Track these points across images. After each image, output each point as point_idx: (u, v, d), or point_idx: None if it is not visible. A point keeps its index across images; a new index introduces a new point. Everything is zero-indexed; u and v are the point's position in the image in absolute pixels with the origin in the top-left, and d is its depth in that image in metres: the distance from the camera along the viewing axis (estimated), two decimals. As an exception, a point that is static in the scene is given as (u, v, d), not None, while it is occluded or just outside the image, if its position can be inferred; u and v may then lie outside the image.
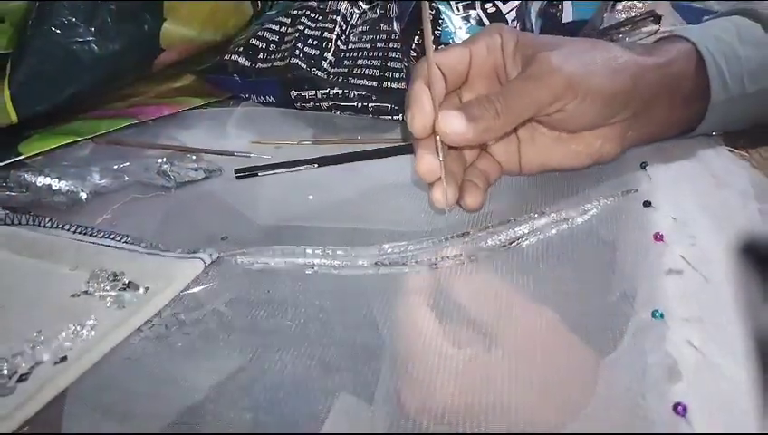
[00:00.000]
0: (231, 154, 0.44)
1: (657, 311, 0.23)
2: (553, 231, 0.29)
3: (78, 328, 0.27)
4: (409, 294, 0.27)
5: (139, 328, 0.27)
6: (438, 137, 0.28)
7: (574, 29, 0.53)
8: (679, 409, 0.19)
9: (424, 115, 0.28)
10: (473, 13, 0.45)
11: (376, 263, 0.28)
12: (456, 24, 0.45)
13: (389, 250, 0.29)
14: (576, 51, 0.29)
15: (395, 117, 0.48)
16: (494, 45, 0.30)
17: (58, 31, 0.45)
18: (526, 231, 0.29)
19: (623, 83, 0.29)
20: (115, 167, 0.42)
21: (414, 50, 0.45)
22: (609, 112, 0.30)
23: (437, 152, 0.28)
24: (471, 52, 0.30)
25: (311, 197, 0.37)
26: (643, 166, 0.33)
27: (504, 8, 0.45)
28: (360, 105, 0.48)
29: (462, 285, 0.27)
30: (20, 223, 0.37)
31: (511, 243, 0.28)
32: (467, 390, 0.21)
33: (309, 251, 0.29)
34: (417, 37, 0.45)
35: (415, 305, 0.26)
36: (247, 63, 0.52)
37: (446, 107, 0.28)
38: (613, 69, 0.29)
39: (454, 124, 0.27)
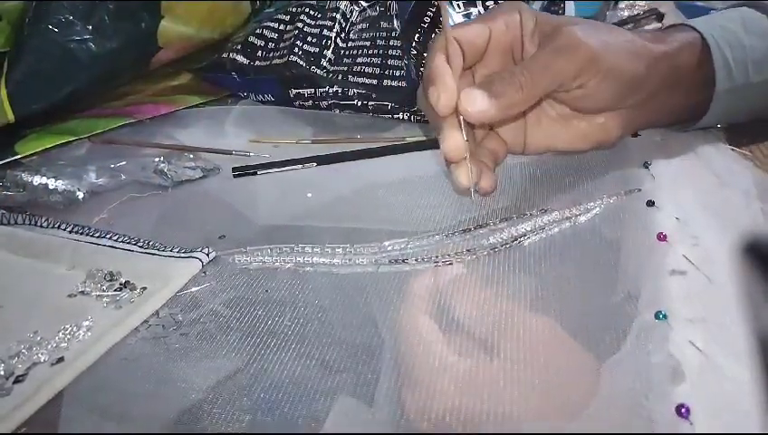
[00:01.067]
0: (230, 153, 0.44)
1: (660, 312, 0.22)
2: (556, 229, 0.28)
3: (75, 328, 0.27)
4: (411, 298, 0.26)
5: (136, 328, 0.26)
6: (461, 117, 0.28)
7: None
8: (682, 411, 0.19)
9: (449, 92, 0.27)
10: (474, 10, 0.44)
11: (375, 261, 0.28)
12: (458, 21, 0.44)
13: (390, 248, 0.29)
14: (597, 28, 0.29)
15: (395, 115, 0.47)
16: (513, 22, 0.30)
17: (55, 29, 0.45)
18: (528, 229, 0.29)
19: (639, 67, 0.29)
20: (112, 166, 0.41)
21: (414, 47, 0.45)
22: (624, 95, 0.30)
23: (462, 131, 0.28)
24: (490, 28, 0.30)
25: (309, 195, 0.37)
26: (646, 165, 0.32)
27: (505, 6, 0.45)
28: (359, 103, 0.48)
29: (463, 286, 0.26)
30: (16, 223, 0.36)
31: (513, 241, 0.28)
32: (468, 394, 0.21)
33: (308, 250, 0.29)
34: (417, 35, 0.45)
35: (416, 309, 0.25)
36: (246, 61, 0.52)
37: (463, 84, 0.28)
38: (631, 52, 0.29)
39: (477, 102, 0.27)
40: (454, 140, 0.28)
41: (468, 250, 0.28)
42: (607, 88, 0.29)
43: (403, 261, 0.28)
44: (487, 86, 0.27)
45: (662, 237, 0.27)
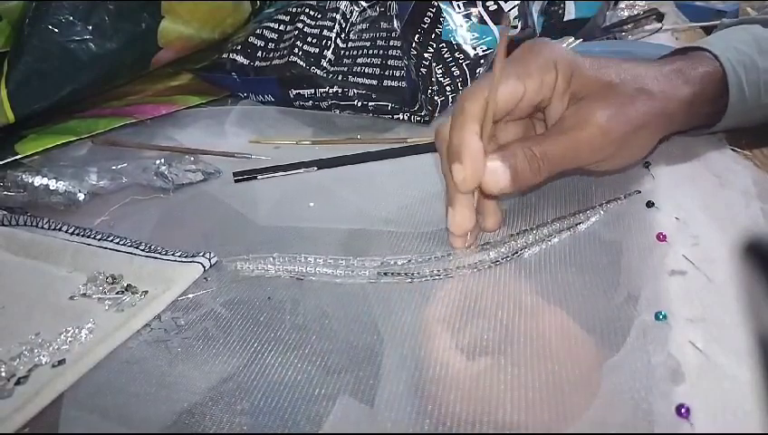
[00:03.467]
0: (232, 156, 0.44)
1: (660, 312, 0.22)
2: (555, 239, 0.29)
3: (76, 331, 0.27)
4: (427, 303, 0.26)
5: (137, 331, 0.26)
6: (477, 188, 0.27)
7: (576, 27, 0.53)
8: (682, 411, 0.19)
9: (477, 174, 0.26)
10: (474, 11, 0.44)
11: (377, 273, 0.28)
12: (458, 21, 0.44)
13: (392, 262, 0.28)
14: (625, 104, 0.27)
15: (395, 116, 0.47)
16: (548, 81, 0.28)
17: (55, 29, 0.45)
18: (529, 241, 0.29)
19: (661, 135, 0.29)
20: (113, 168, 0.41)
21: (414, 48, 0.45)
22: (641, 157, 0.30)
23: (473, 207, 0.27)
24: (525, 87, 0.27)
25: (312, 204, 0.37)
26: (646, 166, 0.32)
27: (506, 6, 0.45)
28: (359, 104, 0.48)
29: (468, 295, 0.26)
30: (17, 224, 0.36)
31: (514, 254, 0.28)
32: (479, 400, 0.21)
33: (310, 260, 0.29)
34: (417, 35, 0.45)
35: (430, 314, 0.25)
36: (246, 62, 0.52)
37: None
38: (657, 125, 0.28)
39: (498, 178, 0.26)
40: (463, 217, 0.27)
41: (469, 265, 0.28)
42: (625, 161, 0.29)
43: (405, 274, 0.28)
44: (508, 160, 0.26)
45: (662, 238, 0.27)
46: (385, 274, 0.28)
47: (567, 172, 0.30)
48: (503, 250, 0.28)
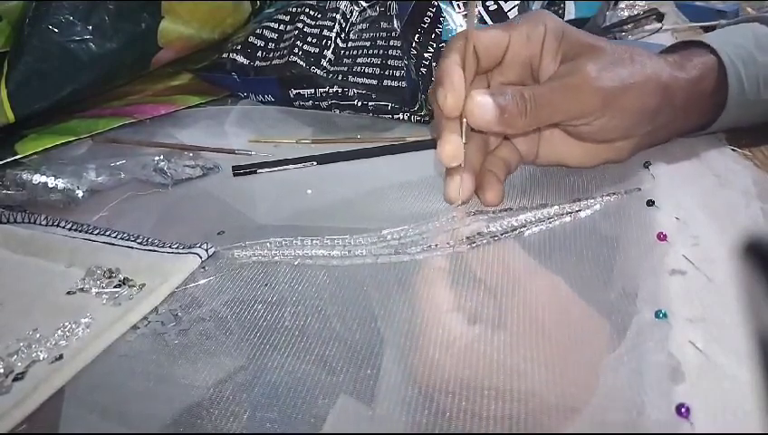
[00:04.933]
0: (232, 152, 0.44)
1: (660, 311, 0.22)
2: (556, 223, 0.28)
3: (74, 326, 0.26)
4: (426, 273, 0.27)
5: (135, 325, 0.26)
6: (465, 120, 0.28)
7: (576, 27, 0.53)
8: (682, 411, 0.19)
9: (456, 94, 0.27)
10: (474, 11, 0.44)
11: (374, 252, 0.28)
12: (458, 21, 0.44)
13: (388, 236, 0.28)
14: (615, 63, 0.28)
15: (395, 115, 0.47)
16: (535, 36, 0.29)
17: (55, 29, 0.45)
18: (528, 220, 0.29)
19: (654, 103, 0.29)
20: (112, 164, 0.41)
21: (414, 48, 0.45)
22: (634, 129, 0.30)
23: (462, 136, 0.28)
24: (510, 37, 0.29)
25: (309, 192, 0.37)
26: (646, 165, 0.32)
27: (506, 6, 0.45)
28: (359, 104, 0.48)
29: (466, 268, 0.26)
30: (15, 221, 0.36)
31: (513, 230, 0.28)
32: (475, 364, 0.21)
33: (307, 242, 0.29)
34: (417, 35, 0.45)
35: (431, 283, 0.26)
36: (246, 62, 0.52)
37: (476, 87, 0.28)
38: (649, 89, 0.28)
39: (484, 110, 0.27)
40: (451, 144, 0.28)
41: (468, 238, 0.28)
42: (614, 125, 0.29)
43: (402, 251, 0.28)
44: (496, 97, 0.27)
45: (662, 237, 0.27)
46: (381, 253, 0.28)
47: (564, 129, 0.30)
48: (502, 224, 0.28)
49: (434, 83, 0.29)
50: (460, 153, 0.28)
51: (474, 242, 0.27)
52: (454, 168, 0.29)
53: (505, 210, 0.29)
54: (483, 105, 0.27)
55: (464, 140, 0.28)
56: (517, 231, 0.28)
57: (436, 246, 0.28)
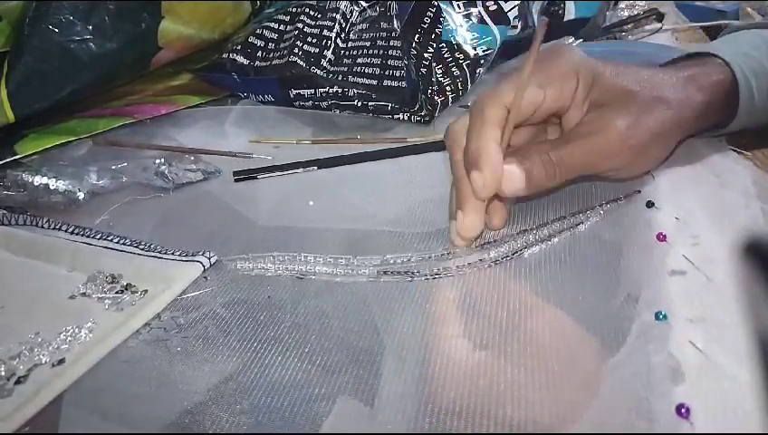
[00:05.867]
0: (233, 155, 0.44)
1: (660, 312, 0.22)
2: (556, 239, 0.29)
3: (76, 330, 0.26)
4: (428, 296, 0.26)
5: (137, 331, 0.26)
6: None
7: (576, 27, 0.53)
8: (682, 411, 0.19)
9: (495, 181, 0.26)
10: (474, 11, 0.44)
11: (377, 272, 0.28)
12: (458, 21, 0.44)
13: (392, 261, 0.28)
14: (643, 111, 0.27)
15: (395, 115, 0.47)
16: (567, 89, 0.27)
17: (55, 29, 0.45)
18: (529, 241, 0.29)
19: (677, 139, 0.29)
20: (113, 167, 0.41)
21: (414, 48, 0.45)
22: (656, 165, 0.30)
23: (484, 212, 0.27)
24: (545, 96, 0.27)
25: (311, 203, 0.37)
26: (646, 165, 0.32)
27: (506, 6, 0.45)
28: (359, 104, 0.48)
29: (469, 292, 0.26)
30: (17, 223, 0.36)
31: (514, 253, 0.28)
32: (478, 390, 0.21)
33: (310, 259, 0.29)
34: (417, 36, 0.45)
35: (432, 306, 0.26)
36: (246, 62, 0.52)
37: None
38: (673, 134, 0.29)
39: (511, 181, 0.26)
40: (473, 223, 0.27)
41: (470, 264, 0.28)
42: (640, 170, 0.29)
43: (405, 273, 0.28)
44: (525, 165, 0.26)
45: (662, 238, 0.27)
46: (385, 272, 0.28)
47: (582, 177, 0.30)
48: (503, 250, 0.28)
49: (466, 160, 0.27)
50: (480, 228, 0.28)
51: (476, 267, 0.27)
52: (466, 208, 0.27)
53: (506, 237, 0.29)
54: (511, 176, 0.26)
55: (485, 211, 0.28)
56: (517, 254, 0.28)
57: (440, 270, 0.28)
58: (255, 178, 0.41)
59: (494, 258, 0.28)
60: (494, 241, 0.29)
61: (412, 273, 0.28)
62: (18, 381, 0.24)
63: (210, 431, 0.21)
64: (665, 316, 0.22)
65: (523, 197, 0.29)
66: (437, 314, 0.25)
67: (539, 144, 0.28)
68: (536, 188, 0.27)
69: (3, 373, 0.24)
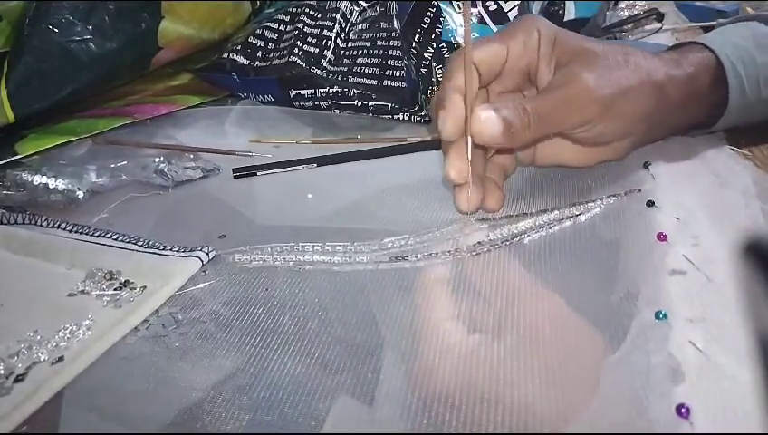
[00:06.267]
0: (233, 153, 0.44)
1: (660, 311, 0.22)
2: (556, 228, 0.28)
3: (74, 328, 0.27)
4: (425, 281, 0.27)
5: (135, 327, 0.26)
6: (470, 138, 0.28)
7: (576, 27, 0.53)
8: (682, 411, 0.19)
9: (456, 118, 0.27)
10: (474, 11, 0.44)
11: (375, 259, 0.28)
12: (458, 21, 0.44)
13: (389, 245, 0.28)
14: (610, 67, 0.28)
15: (395, 115, 0.47)
16: (531, 44, 0.29)
17: (55, 29, 0.45)
18: (528, 226, 0.29)
19: (651, 104, 0.29)
20: (112, 166, 0.41)
21: (414, 48, 0.45)
22: (630, 131, 0.30)
23: (467, 154, 0.28)
24: (508, 48, 0.29)
25: (309, 195, 0.37)
26: (646, 165, 0.32)
27: (506, 6, 0.45)
28: (359, 104, 0.48)
29: (467, 277, 0.27)
30: (16, 222, 0.36)
31: (513, 238, 0.28)
32: (473, 373, 0.21)
33: (308, 248, 0.29)
34: (417, 36, 0.45)
35: (430, 291, 0.26)
36: (246, 62, 0.52)
37: (477, 103, 0.28)
38: (644, 91, 0.29)
39: (489, 126, 0.27)
40: (457, 166, 0.28)
41: (468, 247, 0.28)
42: (611, 129, 0.29)
43: (403, 258, 0.28)
44: (500, 111, 0.27)
45: (662, 237, 0.27)
46: (382, 260, 0.28)
47: (561, 134, 0.30)
48: (503, 232, 0.28)
49: (435, 106, 0.29)
50: (465, 172, 0.29)
51: (474, 251, 0.28)
52: (460, 184, 0.29)
53: (505, 217, 0.29)
54: (487, 121, 0.27)
55: (469, 157, 0.28)
56: (517, 238, 0.28)
57: (437, 254, 0.28)
58: (255, 174, 0.41)
59: (493, 241, 0.28)
60: (493, 220, 0.29)
61: (407, 258, 0.27)
62: (17, 380, 0.24)
63: (209, 429, 0.21)
64: (665, 316, 0.22)
65: (504, 150, 0.30)
66: (434, 298, 0.25)
67: (515, 97, 0.30)
68: (513, 137, 0.27)
69: (2, 372, 0.24)
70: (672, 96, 0.30)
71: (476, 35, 0.45)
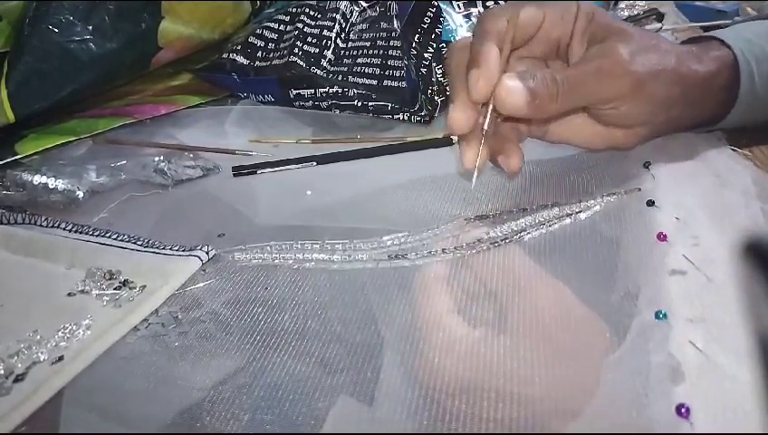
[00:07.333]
0: (233, 152, 0.44)
1: (660, 311, 0.22)
2: (556, 225, 0.28)
3: (74, 327, 0.27)
4: (424, 278, 0.26)
5: (135, 327, 0.26)
6: (491, 105, 0.27)
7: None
8: (682, 411, 0.19)
9: (489, 79, 0.26)
10: (474, 11, 0.44)
11: (374, 257, 0.28)
12: (458, 21, 0.44)
13: (389, 243, 0.28)
14: (645, 48, 0.28)
15: (395, 115, 0.47)
16: (569, 15, 0.29)
17: (55, 29, 0.45)
18: (528, 224, 0.29)
19: (677, 92, 0.29)
20: (112, 165, 0.41)
21: (414, 48, 0.45)
22: (654, 116, 0.30)
23: (486, 118, 0.27)
24: (545, 14, 0.29)
25: (309, 192, 0.37)
26: (646, 165, 0.32)
27: (505, 6, 0.45)
28: (359, 104, 0.48)
29: (467, 273, 0.26)
30: (16, 222, 0.36)
31: (513, 235, 0.28)
32: (476, 367, 0.21)
33: (307, 246, 0.29)
34: (417, 36, 0.45)
35: (429, 287, 0.26)
36: (246, 62, 0.52)
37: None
38: (673, 78, 0.28)
39: (514, 95, 0.26)
40: (459, 119, 0.27)
41: (468, 244, 0.28)
42: (638, 111, 0.28)
43: (403, 256, 0.28)
44: (526, 81, 0.26)
45: (662, 237, 0.26)
46: (382, 258, 0.28)
47: (587, 110, 0.30)
48: (502, 229, 0.28)
49: (469, 60, 0.27)
50: (469, 121, 0.27)
51: (474, 248, 0.27)
52: (469, 137, 0.28)
53: (505, 214, 0.29)
54: (513, 90, 0.26)
55: (487, 121, 0.27)
56: (517, 236, 0.28)
57: (437, 252, 0.28)
58: (255, 173, 0.41)
59: (493, 239, 0.28)
60: (493, 215, 0.29)
61: (407, 256, 0.27)
62: (17, 380, 0.24)
63: (209, 428, 0.21)
64: (665, 316, 0.22)
65: (527, 120, 0.29)
66: (435, 294, 0.25)
67: (543, 68, 0.29)
68: (538, 107, 0.26)
69: (2, 372, 0.24)
70: (693, 90, 0.30)
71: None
